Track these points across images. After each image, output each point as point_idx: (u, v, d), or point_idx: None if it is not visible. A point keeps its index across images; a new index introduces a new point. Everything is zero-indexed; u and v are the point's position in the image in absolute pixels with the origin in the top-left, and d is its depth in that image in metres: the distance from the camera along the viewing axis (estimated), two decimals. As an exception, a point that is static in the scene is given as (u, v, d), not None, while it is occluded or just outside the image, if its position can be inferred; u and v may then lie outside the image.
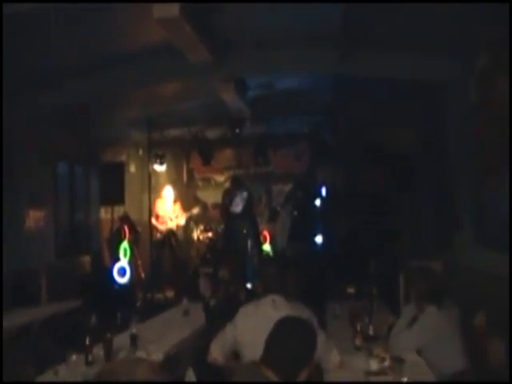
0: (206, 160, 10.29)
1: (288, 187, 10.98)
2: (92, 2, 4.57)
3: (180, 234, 10.75)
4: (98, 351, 3.81)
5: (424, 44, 5.76)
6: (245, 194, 9.77)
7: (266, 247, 10.53)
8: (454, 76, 6.27)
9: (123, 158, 10.17)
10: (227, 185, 10.40)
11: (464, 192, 6.21)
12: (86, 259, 9.00)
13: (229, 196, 9.78)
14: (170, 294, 9.34)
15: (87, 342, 3.75)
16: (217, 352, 3.60)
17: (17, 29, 4.90)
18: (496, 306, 4.59)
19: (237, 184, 9.88)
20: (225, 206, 9.88)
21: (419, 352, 3.65)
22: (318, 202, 10.22)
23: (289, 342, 2.32)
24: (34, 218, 7.51)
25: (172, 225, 10.29)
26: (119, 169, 8.85)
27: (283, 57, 6.56)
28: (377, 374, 3.19)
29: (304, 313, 3.49)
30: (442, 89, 6.68)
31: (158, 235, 10.25)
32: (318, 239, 10.02)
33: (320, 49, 6.38)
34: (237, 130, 9.08)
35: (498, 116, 5.05)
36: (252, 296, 4.27)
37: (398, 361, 3.33)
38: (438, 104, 7.03)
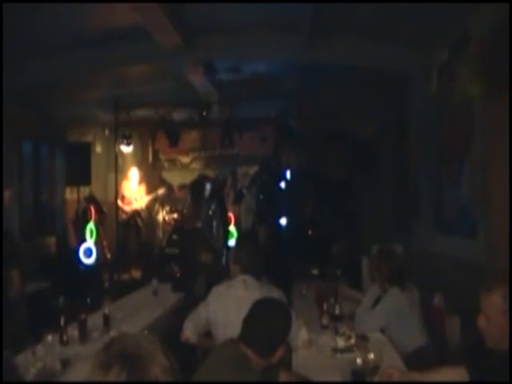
0: (173, 141, 10.29)
1: (253, 170, 11.10)
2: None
3: (146, 215, 10.80)
4: (73, 331, 3.90)
5: (388, 33, 5.93)
6: (208, 186, 9.87)
7: (231, 229, 10.66)
8: (416, 66, 6.47)
9: (89, 138, 10.08)
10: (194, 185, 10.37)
11: (424, 179, 6.46)
12: (51, 240, 8.95)
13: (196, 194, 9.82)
14: (136, 274, 9.41)
15: (62, 323, 3.83)
16: (190, 331, 3.72)
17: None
18: (453, 287, 4.86)
19: (202, 182, 9.94)
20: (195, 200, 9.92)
21: (383, 330, 3.87)
22: (282, 185, 10.37)
23: (267, 322, 2.48)
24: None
25: (137, 205, 10.30)
26: (85, 149, 8.78)
27: (251, 42, 6.64)
28: (343, 351, 3.38)
29: (274, 293, 3.64)
30: (404, 78, 6.87)
31: (124, 216, 10.27)
32: (283, 221, 10.19)
33: (287, 35, 6.50)
34: (204, 113, 9.12)
35: (457, 107, 5.27)
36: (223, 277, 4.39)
37: (363, 338, 3.54)
38: (401, 92, 7.24)
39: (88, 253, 9.08)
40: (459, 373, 2.54)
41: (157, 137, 11.27)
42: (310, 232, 9.74)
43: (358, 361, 2.53)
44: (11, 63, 6.56)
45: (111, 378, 1.35)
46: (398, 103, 7.51)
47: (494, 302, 2.27)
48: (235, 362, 2.33)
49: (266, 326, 2.47)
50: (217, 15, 5.78)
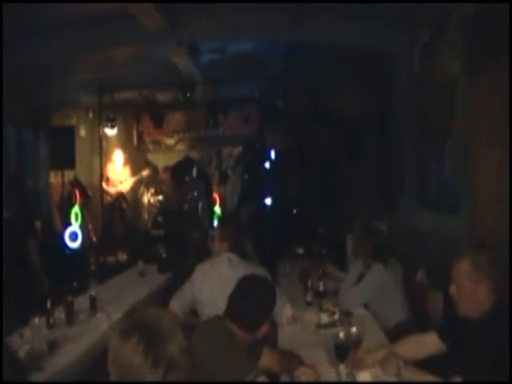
0: (157, 123, 10.25)
1: (238, 150, 11.11)
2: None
3: (131, 197, 10.78)
4: (60, 314, 3.92)
5: (372, 12, 5.93)
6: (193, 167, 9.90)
7: (216, 209, 10.70)
8: (400, 45, 6.49)
9: (73, 121, 10.00)
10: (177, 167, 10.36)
11: (408, 156, 6.52)
12: (37, 224, 8.91)
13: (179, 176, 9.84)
14: (122, 257, 9.43)
15: (48, 306, 3.85)
16: (176, 310, 3.76)
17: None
18: (436, 263, 4.94)
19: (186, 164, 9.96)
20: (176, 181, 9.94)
21: (366, 306, 3.95)
22: (267, 165, 10.40)
23: (252, 298, 2.53)
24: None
25: (122, 188, 10.28)
26: (69, 132, 8.72)
27: (234, 22, 6.59)
28: (327, 326, 3.44)
29: (259, 270, 3.68)
30: (388, 56, 6.89)
31: (109, 199, 10.25)
32: (268, 201, 10.24)
33: (270, 14, 6.47)
34: (188, 94, 9.07)
35: (440, 84, 5.31)
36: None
37: (346, 314, 3.61)
38: (385, 71, 7.26)
39: (73, 236, 9.06)
40: (431, 339, 2.63)
41: (141, 119, 11.21)
42: (294, 211, 9.79)
43: (341, 335, 2.58)
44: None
45: (129, 347, 1.38)
46: (383, 81, 7.54)
47: (463, 269, 2.35)
48: (221, 337, 2.38)
49: (251, 302, 2.52)
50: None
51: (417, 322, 4.01)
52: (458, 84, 4.75)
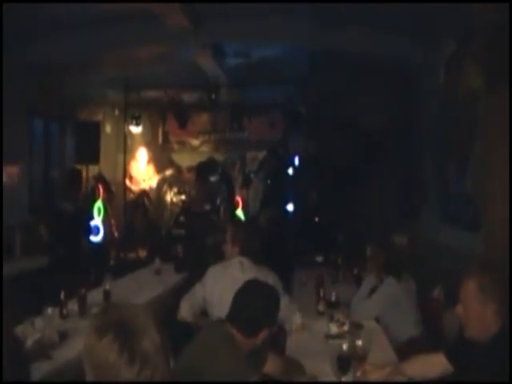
0: (182, 123, 10.32)
1: (262, 154, 11.10)
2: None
3: (154, 195, 10.86)
4: (73, 305, 3.97)
5: (397, 23, 5.89)
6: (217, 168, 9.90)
7: (239, 212, 10.70)
8: (424, 56, 6.44)
9: (99, 117, 10.12)
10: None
11: (429, 170, 6.45)
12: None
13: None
14: (142, 253, 9.50)
15: (62, 297, 3.91)
16: (186, 310, 3.79)
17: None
18: (455, 279, 4.86)
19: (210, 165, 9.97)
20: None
21: (378, 319, 3.91)
22: (290, 171, 10.38)
23: (252, 303, 2.53)
24: (8, 174, 7.51)
25: (145, 186, 10.37)
26: (95, 128, 8.84)
27: (260, 26, 6.61)
28: (335, 337, 3.42)
29: (270, 276, 3.69)
30: (412, 67, 6.84)
31: (132, 196, 10.35)
32: (289, 207, 10.21)
33: (296, 20, 6.47)
34: (213, 96, 9.12)
35: (463, 98, 5.25)
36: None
37: (357, 326, 3.58)
38: (409, 81, 7.20)
39: (95, 230, 9.16)
40: (438, 359, 2.58)
41: (167, 118, 11.30)
42: (316, 219, 9.75)
43: (344, 347, 2.56)
44: (24, 39, 6.61)
45: (104, 344, 1.39)
46: (406, 92, 7.48)
47: (469, 290, 2.29)
48: (221, 341, 2.38)
49: (250, 307, 2.52)
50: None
51: (430, 340, 3.96)
52: (481, 98, 4.69)
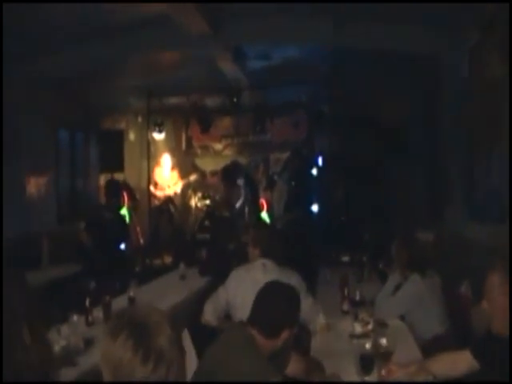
0: (205, 128, 10.36)
1: (285, 156, 11.06)
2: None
3: (178, 201, 10.92)
4: (98, 313, 4.01)
5: (417, 17, 5.82)
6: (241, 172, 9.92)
7: (263, 215, 10.68)
8: (449, 50, 6.33)
9: (122, 125, 10.24)
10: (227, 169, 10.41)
11: (455, 165, 6.34)
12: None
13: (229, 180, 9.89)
14: (168, 259, 9.54)
15: (87, 304, 3.95)
16: (209, 314, 3.79)
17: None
18: (483, 275, 4.76)
19: (234, 168, 9.99)
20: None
21: (403, 317, 3.85)
22: (314, 172, 10.32)
23: (271, 304, 2.51)
24: (36, 183, 7.65)
25: (170, 192, 10.43)
26: (118, 136, 8.97)
27: (281, 26, 6.59)
28: (359, 336, 3.38)
29: (293, 277, 3.66)
30: (435, 63, 6.74)
31: (156, 202, 10.42)
32: (314, 208, 10.16)
33: (318, 19, 6.43)
34: (235, 99, 9.13)
35: (488, 92, 5.14)
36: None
37: (381, 324, 3.53)
38: (432, 77, 7.10)
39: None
40: (464, 357, 2.52)
41: (190, 124, 11.35)
42: (342, 218, 9.68)
43: (367, 346, 2.52)
44: (47, 51, 6.72)
45: (118, 344, 1.42)
46: (429, 88, 7.37)
47: (494, 282, 2.25)
48: (242, 343, 2.37)
49: (270, 307, 2.50)
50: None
51: (458, 336, 3.88)
52: (505, 89, 4.58)
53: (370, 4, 5.69)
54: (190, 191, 10.96)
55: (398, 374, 2.60)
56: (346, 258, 7.44)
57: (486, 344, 2.49)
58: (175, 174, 10.78)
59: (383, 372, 2.60)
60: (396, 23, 6.26)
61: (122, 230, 6.91)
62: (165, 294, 5.00)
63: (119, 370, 1.41)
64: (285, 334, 2.46)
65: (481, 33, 5.35)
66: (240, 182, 10.20)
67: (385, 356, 2.57)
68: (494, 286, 2.25)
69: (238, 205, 10.08)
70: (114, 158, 8.63)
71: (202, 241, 9.15)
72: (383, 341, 2.63)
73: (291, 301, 2.56)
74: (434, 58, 6.69)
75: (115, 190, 7.09)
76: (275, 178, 10.94)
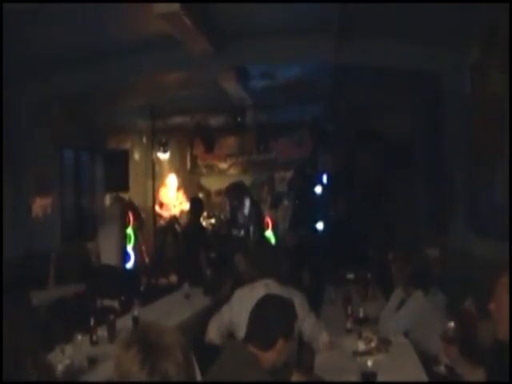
0: (209, 147, 10.42)
1: (290, 174, 11.11)
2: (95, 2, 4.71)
3: (183, 220, 10.93)
4: (102, 332, 4.01)
5: (417, 33, 5.87)
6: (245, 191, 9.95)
7: (268, 234, 10.69)
8: (451, 66, 6.38)
9: (127, 145, 10.30)
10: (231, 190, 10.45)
11: (458, 181, 6.35)
12: (91, 244, 9.16)
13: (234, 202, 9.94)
14: (173, 279, 9.52)
15: (91, 323, 3.96)
16: (213, 332, 3.80)
17: (17, 19, 5.04)
18: (487, 291, 4.75)
19: (238, 188, 10.04)
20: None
21: (407, 334, 3.84)
22: (318, 190, 10.34)
23: (263, 315, 2.56)
24: (41, 203, 7.69)
25: (175, 211, 10.45)
26: (123, 156, 9.01)
27: (282, 46, 6.64)
28: (363, 354, 3.37)
29: (296, 296, 3.66)
30: (437, 77, 6.78)
31: (162, 222, 10.44)
32: (319, 226, 10.15)
33: (319, 37, 6.49)
34: (238, 118, 9.21)
35: (490, 106, 5.17)
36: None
37: (385, 342, 3.52)
38: (436, 93, 7.14)
39: (126, 257, 9.25)
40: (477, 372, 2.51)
41: (195, 143, 11.42)
42: (345, 236, 9.67)
43: (369, 363, 2.52)
44: (52, 72, 6.81)
45: (128, 357, 1.47)
46: (432, 103, 7.41)
47: (502, 286, 2.25)
48: (241, 360, 2.38)
49: (262, 318, 2.54)
50: (244, 20, 5.84)
51: (463, 352, 3.85)
52: (507, 104, 4.61)
53: (370, 21, 5.75)
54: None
55: None
56: (350, 276, 7.41)
57: (493, 352, 2.49)
58: (181, 194, 10.81)
59: None
60: (396, 41, 6.31)
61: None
62: (169, 313, 5.00)
63: (125, 378, 1.46)
64: (280, 345, 2.47)
65: (480, 50, 5.39)
66: (243, 202, 10.24)
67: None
68: (502, 288, 2.26)
69: (241, 224, 10.11)
70: (119, 178, 8.68)
71: (207, 260, 9.13)
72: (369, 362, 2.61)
73: (283, 310, 2.59)
74: (435, 73, 6.74)
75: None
76: (280, 196, 10.98)
